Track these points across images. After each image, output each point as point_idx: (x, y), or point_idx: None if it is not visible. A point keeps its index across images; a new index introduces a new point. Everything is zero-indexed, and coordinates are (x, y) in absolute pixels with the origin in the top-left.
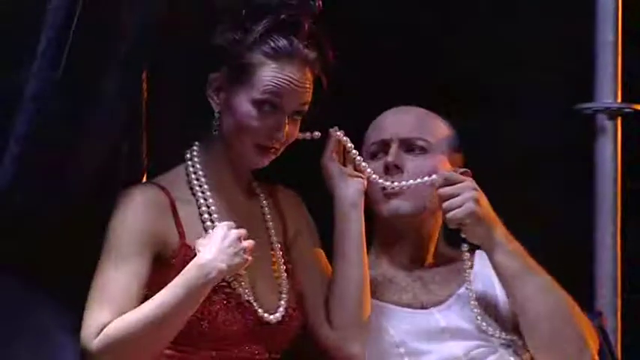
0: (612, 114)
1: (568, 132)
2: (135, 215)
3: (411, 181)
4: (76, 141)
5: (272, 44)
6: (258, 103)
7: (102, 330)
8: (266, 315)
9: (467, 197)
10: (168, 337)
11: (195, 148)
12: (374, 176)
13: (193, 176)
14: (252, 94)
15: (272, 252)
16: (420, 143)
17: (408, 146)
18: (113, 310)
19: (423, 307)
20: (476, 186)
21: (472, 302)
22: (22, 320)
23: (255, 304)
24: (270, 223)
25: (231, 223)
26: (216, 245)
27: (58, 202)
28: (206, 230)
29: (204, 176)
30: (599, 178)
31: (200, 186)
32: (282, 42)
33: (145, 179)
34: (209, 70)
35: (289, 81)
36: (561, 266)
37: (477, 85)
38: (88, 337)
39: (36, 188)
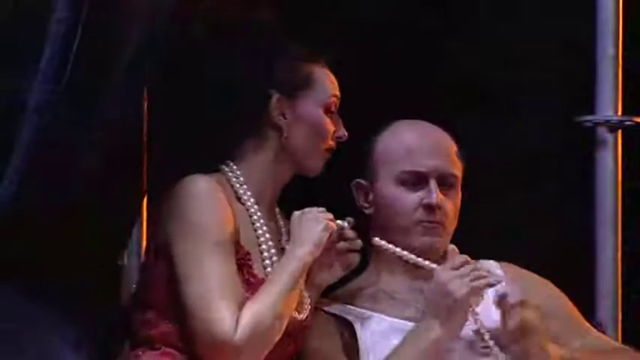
0: (612, 127)
1: (568, 143)
2: (214, 204)
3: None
4: (78, 151)
5: (308, 51)
6: (326, 107)
7: (237, 322)
8: (296, 314)
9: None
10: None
11: (230, 162)
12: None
13: (237, 183)
14: (321, 100)
15: None
16: (452, 180)
17: (442, 181)
18: (237, 300)
19: None
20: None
21: (484, 334)
22: (23, 333)
23: None
24: (284, 237)
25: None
26: (310, 237)
27: (60, 213)
28: (258, 237)
29: (245, 183)
30: (600, 190)
31: (244, 193)
32: (311, 48)
33: (145, 189)
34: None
35: (333, 80)
36: (562, 277)
37: (476, 92)
38: (227, 333)
39: (38, 199)
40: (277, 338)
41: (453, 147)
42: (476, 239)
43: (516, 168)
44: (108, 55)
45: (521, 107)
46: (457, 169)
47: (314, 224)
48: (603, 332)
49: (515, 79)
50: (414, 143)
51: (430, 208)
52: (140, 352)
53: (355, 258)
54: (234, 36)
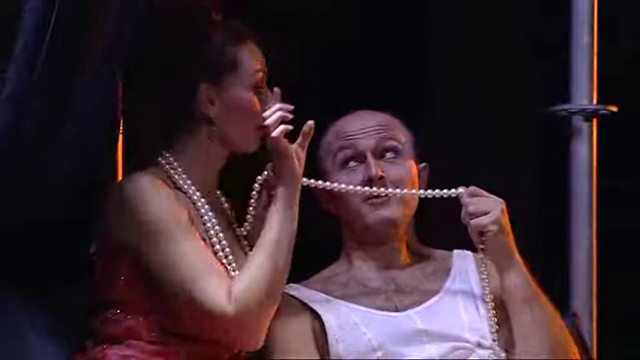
0: (587, 115)
1: (543, 133)
2: (162, 195)
3: (437, 191)
4: (52, 142)
5: (234, 33)
6: (253, 87)
7: (229, 293)
8: None
9: (492, 205)
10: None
11: (166, 153)
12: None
13: (175, 175)
14: (247, 81)
15: (239, 244)
16: (394, 148)
17: (382, 153)
18: (221, 274)
19: (397, 310)
20: (501, 200)
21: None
22: None
23: None
24: (233, 217)
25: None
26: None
27: (35, 201)
28: (207, 230)
29: (184, 173)
30: (575, 179)
31: (184, 182)
32: (238, 27)
33: (119, 175)
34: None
35: (260, 57)
36: (537, 267)
37: (450, 82)
38: (221, 306)
39: (11, 190)
40: (276, 303)
41: (391, 123)
42: (450, 228)
43: (492, 158)
44: (81, 44)
45: (496, 97)
46: (396, 140)
47: None
48: (579, 322)
49: (490, 68)
50: (347, 127)
51: (371, 182)
52: (105, 347)
53: None
54: (163, 26)
